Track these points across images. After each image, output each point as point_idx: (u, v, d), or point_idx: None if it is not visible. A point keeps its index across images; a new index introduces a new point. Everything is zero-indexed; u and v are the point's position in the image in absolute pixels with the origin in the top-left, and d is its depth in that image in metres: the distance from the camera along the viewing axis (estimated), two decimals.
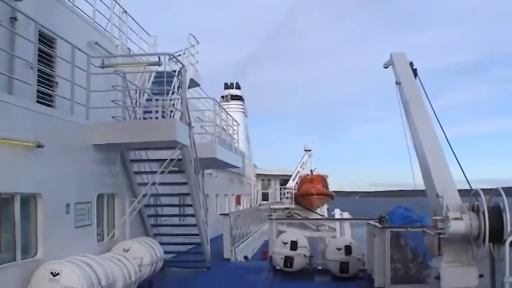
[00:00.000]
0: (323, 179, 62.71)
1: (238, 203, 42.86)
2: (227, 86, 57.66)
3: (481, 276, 12.19)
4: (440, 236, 12.06)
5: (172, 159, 16.88)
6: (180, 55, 23.32)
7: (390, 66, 16.65)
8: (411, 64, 16.04)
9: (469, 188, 12.85)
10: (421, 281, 14.98)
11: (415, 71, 15.92)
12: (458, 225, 11.61)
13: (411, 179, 15.08)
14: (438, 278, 12.02)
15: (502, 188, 11.62)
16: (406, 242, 16.23)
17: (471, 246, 12.02)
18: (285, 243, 18.75)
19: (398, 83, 15.87)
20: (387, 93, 16.47)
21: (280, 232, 21.13)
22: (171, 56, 18.33)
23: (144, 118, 18.89)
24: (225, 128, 27.01)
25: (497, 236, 11.23)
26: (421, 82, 15.70)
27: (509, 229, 11.00)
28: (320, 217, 55.09)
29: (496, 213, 11.34)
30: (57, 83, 14.54)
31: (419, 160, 14.07)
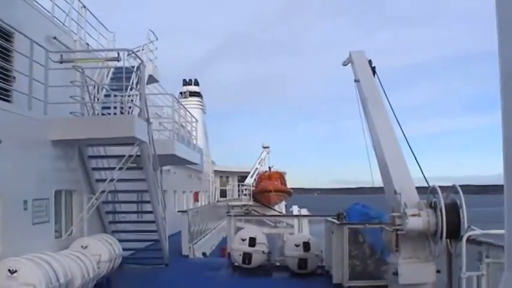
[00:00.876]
0: (281, 176, 62.97)
1: (196, 199, 42.86)
2: (186, 83, 57.60)
3: (438, 271, 12.35)
4: (398, 232, 12.18)
5: (130, 156, 16.80)
6: (139, 51, 23.26)
7: (349, 64, 16.79)
8: (370, 62, 16.18)
9: (427, 185, 13.01)
10: (379, 277, 14.96)
11: (373, 69, 16.06)
12: (416, 221, 11.74)
13: (369, 176, 15.26)
14: (396, 274, 12.13)
15: (459, 186, 11.82)
16: (364, 239, 16.33)
17: (428, 243, 12.14)
18: (243, 240, 18.79)
19: (357, 81, 15.99)
20: (347, 91, 16.59)
21: (238, 229, 21.22)
22: (130, 52, 18.25)
23: (103, 114, 18.76)
24: (184, 124, 26.95)
25: (454, 232, 11.38)
26: (379, 80, 15.84)
27: (466, 225, 11.18)
28: (278, 214, 55.25)
29: (453, 209, 11.49)
30: (14, 77, 14.34)
31: (378, 158, 14.20)
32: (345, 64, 16.98)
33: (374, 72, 16.01)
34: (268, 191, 57.02)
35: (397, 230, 12.22)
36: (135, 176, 18.59)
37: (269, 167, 63.52)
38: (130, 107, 19.00)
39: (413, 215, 11.81)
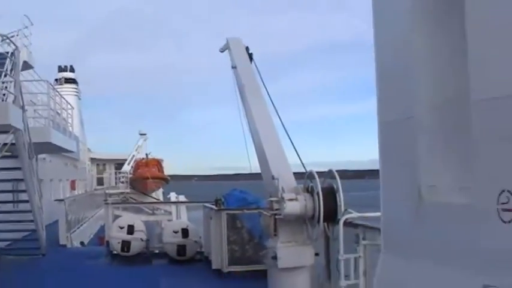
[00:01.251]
0: (158, 163, 62.60)
1: (73, 188, 42.19)
2: (61, 69, 56.33)
3: (316, 254, 12.74)
4: (276, 217, 12.38)
5: (5, 144, 16.41)
6: (13, 36, 22.63)
7: (226, 51, 16.95)
8: (247, 49, 16.37)
9: (304, 170, 13.36)
10: (258, 261, 15.13)
11: (250, 56, 16.27)
12: (294, 206, 11.97)
13: (247, 162, 15.52)
14: (275, 258, 12.30)
15: (336, 171, 12.26)
16: (243, 224, 16.50)
17: (306, 226, 12.41)
18: (121, 228, 18.68)
19: (234, 68, 16.13)
20: (225, 78, 16.81)
21: (116, 217, 21.04)
22: (4, 37, 17.80)
23: None
24: (59, 111, 26.48)
25: (331, 216, 11.70)
26: (256, 67, 16.02)
27: (342, 209, 11.59)
28: (156, 201, 55.04)
29: (330, 194, 11.84)
30: None
31: (255, 144, 14.34)
32: (222, 50, 17.10)
33: (251, 58, 16.24)
34: (145, 178, 56.64)
35: (275, 214, 12.40)
36: (10, 165, 18.14)
37: (146, 154, 63.06)
38: (4, 94, 18.50)
39: (291, 200, 12.06)
